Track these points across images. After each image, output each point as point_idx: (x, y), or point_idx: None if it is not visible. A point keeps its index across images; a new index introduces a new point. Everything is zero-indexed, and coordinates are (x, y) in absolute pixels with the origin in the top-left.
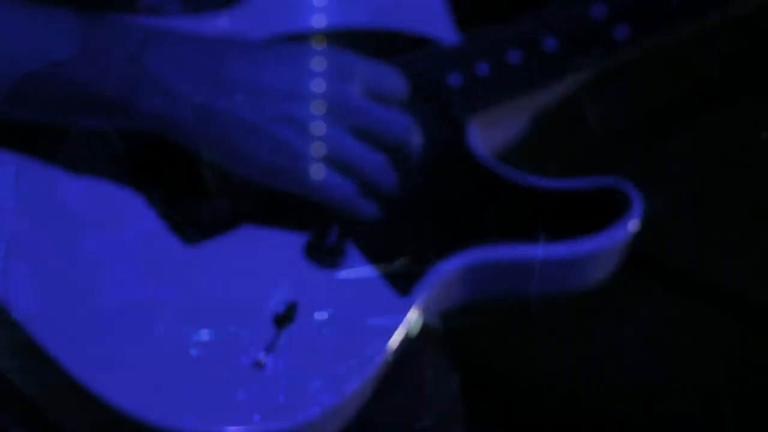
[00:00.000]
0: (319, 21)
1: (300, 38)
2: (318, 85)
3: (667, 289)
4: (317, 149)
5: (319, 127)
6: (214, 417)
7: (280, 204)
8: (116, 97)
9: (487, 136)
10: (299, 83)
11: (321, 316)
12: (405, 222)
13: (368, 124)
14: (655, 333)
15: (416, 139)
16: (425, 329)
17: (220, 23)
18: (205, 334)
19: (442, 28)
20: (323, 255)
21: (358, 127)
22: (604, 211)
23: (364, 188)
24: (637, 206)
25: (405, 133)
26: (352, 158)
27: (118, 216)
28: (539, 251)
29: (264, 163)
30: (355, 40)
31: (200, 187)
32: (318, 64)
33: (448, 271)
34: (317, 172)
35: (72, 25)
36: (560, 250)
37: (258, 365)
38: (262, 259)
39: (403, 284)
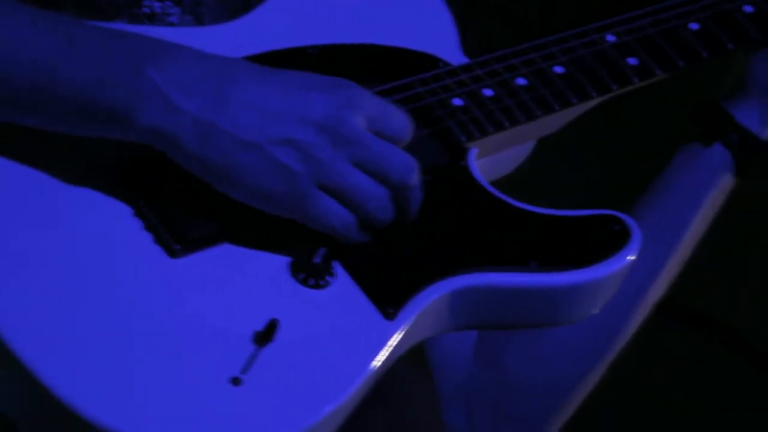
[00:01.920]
0: (322, 37)
1: (302, 53)
2: (323, 112)
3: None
4: (317, 175)
5: (320, 153)
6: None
7: (267, 222)
8: (116, 107)
9: (490, 162)
10: (305, 108)
11: (302, 335)
12: (396, 244)
13: (370, 159)
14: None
15: (416, 179)
16: (410, 352)
17: (221, 37)
18: (183, 349)
19: (449, 50)
20: (308, 275)
21: (359, 160)
22: (602, 241)
23: (360, 219)
24: (636, 238)
25: (406, 175)
26: (351, 188)
27: (104, 225)
28: (534, 279)
29: (261, 186)
30: (361, 56)
31: (188, 201)
32: (326, 92)
33: (436, 296)
34: (316, 199)
35: (76, 32)
36: (554, 279)
37: (235, 382)
38: (246, 275)
39: (390, 307)
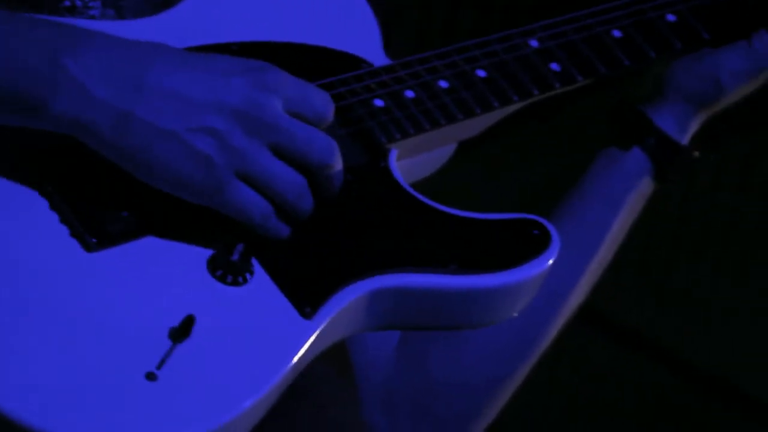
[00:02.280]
0: (245, 34)
1: (224, 50)
2: (241, 98)
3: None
4: (235, 164)
5: (238, 141)
6: (104, 427)
7: (186, 217)
8: (31, 96)
9: (410, 164)
10: (223, 94)
11: (219, 332)
12: (315, 242)
13: (289, 143)
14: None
15: (338, 162)
16: (328, 351)
17: (143, 31)
18: (99, 343)
19: (372, 51)
20: (226, 271)
21: (278, 145)
22: (522, 245)
23: (278, 208)
24: (555, 242)
25: (327, 156)
26: (270, 177)
27: (18, 218)
28: (454, 282)
29: (179, 174)
30: (283, 55)
31: (106, 194)
32: (244, 76)
33: (355, 296)
34: (233, 187)
35: None
36: (474, 281)
37: (150, 377)
38: (163, 271)
39: (308, 307)
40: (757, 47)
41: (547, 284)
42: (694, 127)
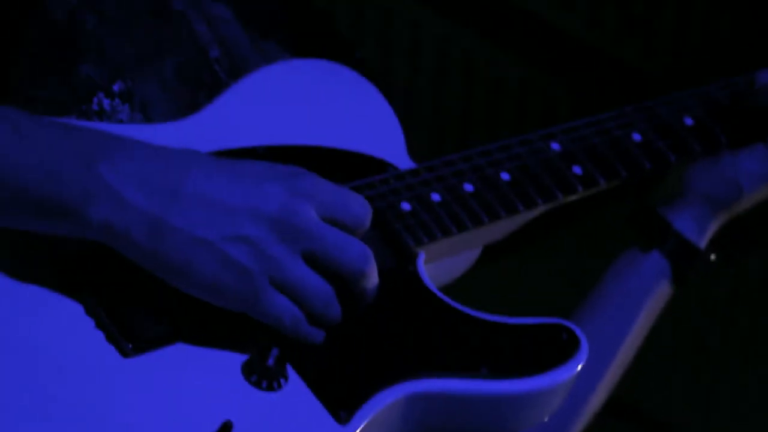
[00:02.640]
0: (271, 137)
1: (251, 154)
2: (277, 205)
3: None
4: (270, 271)
5: (273, 250)
6: None
7: (220, 321)
8: (67, 203)
9: (436, 267)
10: (258, 201)
11: None
12: (348, 348)
13: (323, 251)
14: None
15: (373, 270)
16: None
17: (170, 135)
18: None
19: (397, 154)
20: (261, 377)
21: (312, 252)
22: (551, 350)
23: (309, 315)
24: (584, 347)
25: (361, 264)
26: (300, 286)
27: (56, 324)
28: (485, 386)
29: (214, 282)
30: (309, 158)
31: (141, 299)
32: (279, 182)
33: (389, 401)
34: (267, 295)
35: (24, 122)
36: (505, 386)
37: None
38: (199, 376)
39: (343, 412)
40: None
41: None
42: (712, 229)
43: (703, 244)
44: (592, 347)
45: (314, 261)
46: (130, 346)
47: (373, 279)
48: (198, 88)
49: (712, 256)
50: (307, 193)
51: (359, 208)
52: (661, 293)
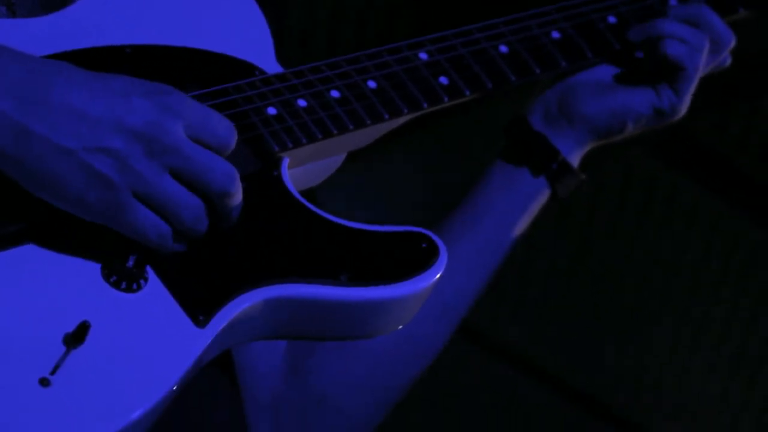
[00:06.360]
0: (139, 36)
1: (118, 52)
2: (142, 119)
3: None
4: (134, 185)
5: (138, 163)
6: None
7: (81, 224)
8: None
9: (300, 172)
10: (125, 114)
11: (113, 339)
12: (208, 252)
13: (189, 168)
14: None
15: (238, 190)
16: (217, 360)
17: (35, 30)
18: None
19: (265, 58)
20: (120, 278)
21: (178, 169)
22: (411, 258)
23: (175, 229)
24: (443, 256)
25: (227, 184)
26: (169, 200)
27: None
28: (344, 293)
29: (76, 194)
30: (177, 59)
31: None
32: (146, 97)
33: (247, 305)
34: (131, 209)
35: None
36: (363, 293)
37: (44, 382)
38: (58, 277)
39: (201, 315)
40: (662, 99)
41: (442, 297)
42: (585, 151)
43: (576, 164)
44: (468, 262)
45: (180, 178)
46: None
47: (237, 198)
48: None
49: (583, 176)
50: (174, 111)
51: (225, 130)
52: (534, 210)
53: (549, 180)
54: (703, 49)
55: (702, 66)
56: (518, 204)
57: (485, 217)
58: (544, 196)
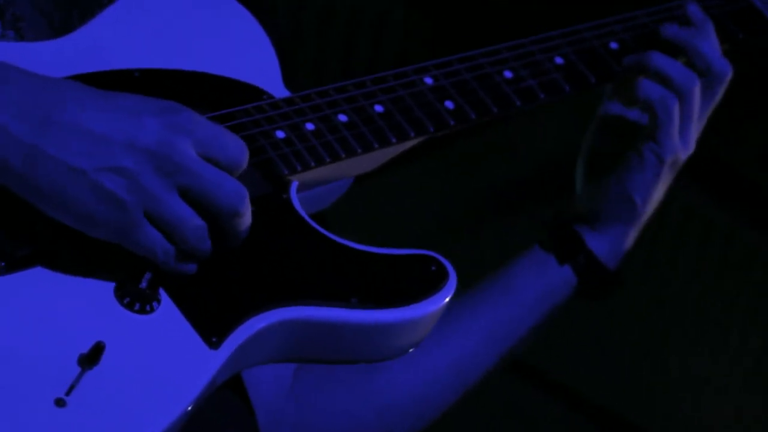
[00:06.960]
0: (148, 60)
1: (127, 76)
2: (153, 138)
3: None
4: (144, 204)
5: (148, 182)
6: None
7: (94, 245)
8: None
9: (308, 196)
10: (135, 133)
11: (127, 360)
12: (220, 274)
13: (197, 187)
14: None
15: (247, 210)
16: (231, 382)
17: (44, 54)
18: (7, 369)
19: (272, 82)
20: (133, 299)
21: (187, 187)
22: (420, 281)
23: (180, 249)
24: (452, 279)
25: (235, 203)
26: (174, 220)
27: None
28: (354, 316)
29: (86, 212)
30: (186, 83)
31: (10, 221)
32: (156, 115)
33: (260, 327)
34: (140, 227)
35: None
36: (373, 316)
37: (59, 403)
38: (72, 298)
39: (214, 336)
40: (646, 156)
41: (455, 360)
42: (626, 247)
43: (614, 264)
44: (485, 336)
45: (189, 197)
46: (3, 264)
47: (246, 218)
48: (72, 6)
49: (621, 277)
50: (184, 129)
51: (236, 149)
52: (561, 302)
53: (577, 273)
54: (688, 92)
55: (696, 109)
56: (544, 293)
57: (510, 299)
58: (571, 290)
